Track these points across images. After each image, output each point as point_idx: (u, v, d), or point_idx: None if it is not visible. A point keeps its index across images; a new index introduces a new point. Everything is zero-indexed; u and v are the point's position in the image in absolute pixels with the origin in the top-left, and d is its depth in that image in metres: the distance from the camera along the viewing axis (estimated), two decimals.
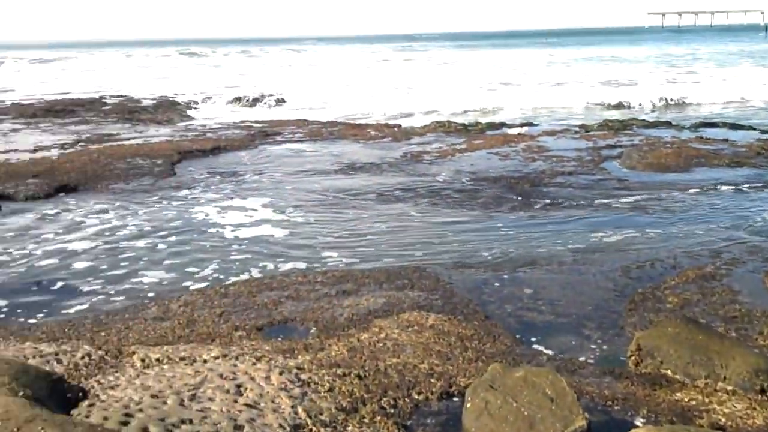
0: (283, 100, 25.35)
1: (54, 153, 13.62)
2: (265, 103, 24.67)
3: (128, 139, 15.52)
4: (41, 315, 5.98)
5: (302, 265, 7.14)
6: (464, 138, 15.42)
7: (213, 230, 8.51)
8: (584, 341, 5.32)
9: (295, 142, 15.34)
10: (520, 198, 9.80)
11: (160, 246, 7.89)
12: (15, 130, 17.41)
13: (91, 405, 3.70)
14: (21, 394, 3.46)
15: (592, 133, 15.82)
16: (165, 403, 3.75)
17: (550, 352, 5.11)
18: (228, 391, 3.97)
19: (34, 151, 13.97)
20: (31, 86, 35.20)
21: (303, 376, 4.31)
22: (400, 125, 18.21)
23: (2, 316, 5.97)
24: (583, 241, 7.83)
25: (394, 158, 13.06)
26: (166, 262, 7.35)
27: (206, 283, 6.69)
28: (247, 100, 24.88)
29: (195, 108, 23.91)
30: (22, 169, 11.89)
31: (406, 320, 5.50)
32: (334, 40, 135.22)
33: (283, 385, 4.13)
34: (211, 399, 3.87)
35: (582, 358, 5.00)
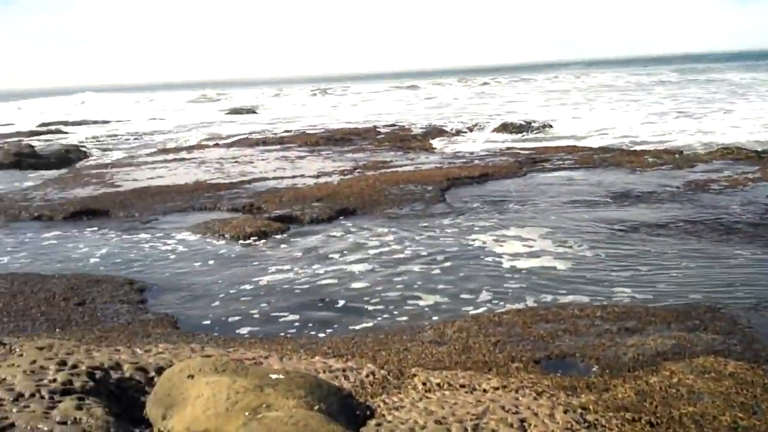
0: (551, 126, 25.01)
1: (335, 179, 14.57)
2: (533, 130, 24.48)
3: (400, 166, 16.19)
4: (328, 330, 6.33)
5: (584, 299, 6.82)
6: (758, 166, 13.94)
7: (489, 258, 8.43)
8: None
9: (565, 169, 14.95)
10: None
11: (435, 271, 8.01)
12: (300, 157, 19.00)
13: (378, 425, 3.76)
14: (316, 408, 3.60)
15: None
16: (449, 430, 3.70)
17: None
18: (512, 425, 3.83)
19: (317, 176, 15.08)
20: (313, 116, 38.55)
21: (588, 417, 4.04)
22: (681, 151, 17.02)
23: (293, 330, 6.40)
24: None
25: (675, 187, 12.17)
26: (441, 286, 7.44)
27: (480, 310, 6.65)
28: (515, 127, 24.86)
29: (463, 135, 24.44)
30: (307, 193, 12.86)
31: (700, 365, 4.97)
32: (605, 64, 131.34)
33: (568, 425, 3.90)
34: (494, 431, 3.76)
35: None
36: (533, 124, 25.24)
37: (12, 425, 3.42)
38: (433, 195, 12.46)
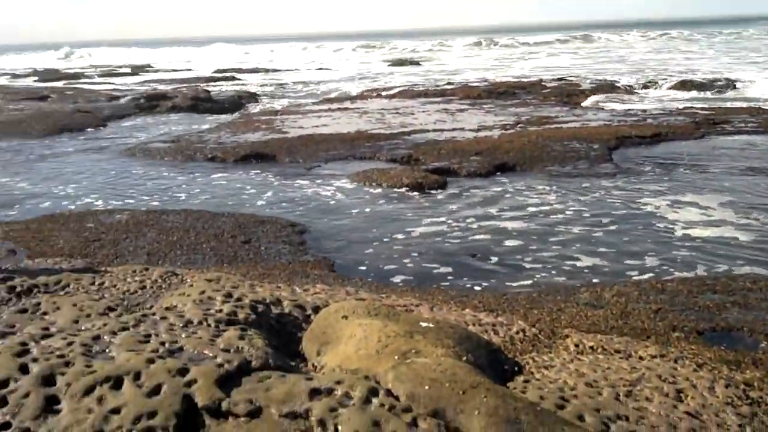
0: (735, 86, 23.14)
1: (495, 133, 14.33)
2: (714, 89, 22.73)
3: (565, 122, 15.65)
4: (480, 285, 6.29)
5: (762, 272, 6.32)
6: None
7: (660, 224, 7.96)
8: None
9: (747, 133, 13.80)
10: None
11: (597, 233, 7.72)
12: (461, 110, 18.83)
13: (527, 382, 3.70)
14: (464, 359, 3.60)
15: None
16: (600, 394, 3.58)
17: None
18: (667, 395, 3.65)
19: (477, 130, 14.89)
20: (476, 68, 38.05)
21: (752, 394, 3.77)
22: None
23: (445, 282, 6.41)
24: None
25: None
26: (602, 249, 7.16)
27: (644, 276, 6.35)
28: (694, 85, 23.22)
29: (637, 92, 23.20)
30: (466, 146, 12.74)
31: None
32: None
33: (729, 400, 3.66)
34: (648, 399, 3.59)
35: None
36: (715, 83, 23.46)
37: (181, 348, 3.68)
38: (599, 154, 11.96)
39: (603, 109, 18.77)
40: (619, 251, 7.08)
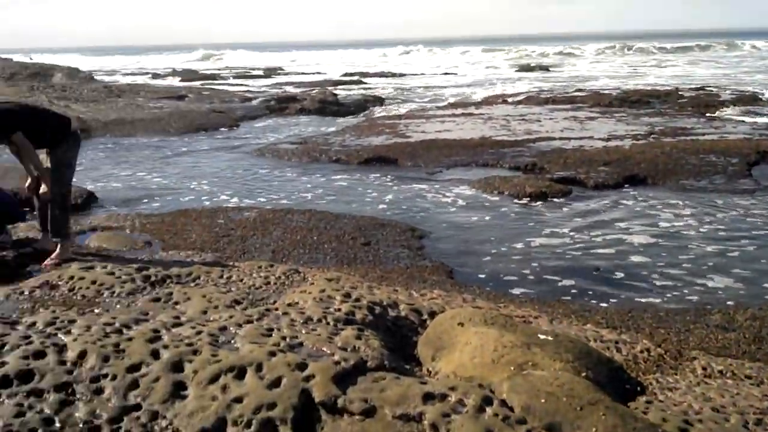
0: None
1: (626, 143, 13.84)
2: None
3: (702, 134, 14.91)
4: (603, 300, 6.09)
5: None
6: None
7: None
8: None
9: None
10: None
11: (732, 252, 7.32)
12: (591, 118, 18.31)
13: (649, 403, 3.55)
14: (583, 375, 3.50)
15: None
16: (727, 420, 3.39)
17: None
18: None
19: (607, 139, 14.43)
20: (608, 75, 36.92)
21: None
22: None
23: (565, 296, 6.25)
24: None
25: None
26: (736, 270, 6.77)
27: None
28: None
29: None
30: (594, 156, 12.39)
31: None
32: None
33: None
34: None
35: None
36: None
37: (300, 344, 3.79)
38: (737, 168, 11.34)
39: (743, 121, 17.77)
40: (756, 273, 6.67)
